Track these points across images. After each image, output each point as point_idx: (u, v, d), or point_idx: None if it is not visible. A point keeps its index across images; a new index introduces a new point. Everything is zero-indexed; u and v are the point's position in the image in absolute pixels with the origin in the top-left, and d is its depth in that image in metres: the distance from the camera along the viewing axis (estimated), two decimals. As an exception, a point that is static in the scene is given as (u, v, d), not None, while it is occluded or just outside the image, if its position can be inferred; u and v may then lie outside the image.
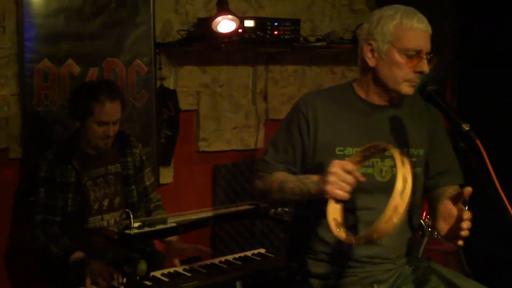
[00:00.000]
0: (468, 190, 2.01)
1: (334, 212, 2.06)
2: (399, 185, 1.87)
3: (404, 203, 1.86)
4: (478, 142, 1.97)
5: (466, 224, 2.01)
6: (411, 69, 2.21)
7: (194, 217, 2.72)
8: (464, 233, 2.02)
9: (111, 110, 2.95)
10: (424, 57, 2.21)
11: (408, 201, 1.87)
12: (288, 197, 2.24)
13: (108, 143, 3.02)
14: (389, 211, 1.86)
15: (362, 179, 2.06)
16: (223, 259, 3.17)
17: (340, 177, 2.00)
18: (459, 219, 2.03)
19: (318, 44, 4.05)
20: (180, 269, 3.00)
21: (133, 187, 3.16)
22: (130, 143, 3.17)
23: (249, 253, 3.25)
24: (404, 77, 2.22)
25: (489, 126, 4.37)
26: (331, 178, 2.00)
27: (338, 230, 2.04)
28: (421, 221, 2.90)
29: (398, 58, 2.21)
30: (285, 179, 2.25)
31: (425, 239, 2.92)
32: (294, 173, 2.32)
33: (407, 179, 1.88)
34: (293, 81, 4.24)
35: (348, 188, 2.01)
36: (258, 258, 3.18)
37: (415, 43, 2.20)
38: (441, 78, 4.19)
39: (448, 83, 4.52)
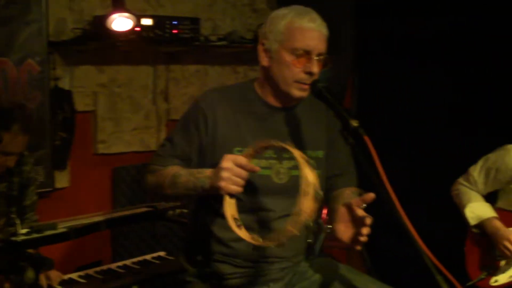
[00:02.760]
0: (370, 196, 2.02)
1: (230, 208, 2.05)
2: (306, 191, 1.87)
3: (310, 206, 1.87)
4: (366, 138, 1.98)
5: (366, 230, 2.03)
6: (300, 70, 2.18)
7: (86, 221, 2.62)
8: (364, 238, 2.04)
9: (21, 142, 2.80)
10: (314, 57, 2.18)
11: (313, 206, 1.88)
12: (181, 192, 2.18)
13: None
14: (295, 215, 1.87)
15: (257, 169, 2.06)
16: (121, 264, 3.10)
17: (233, 172, 1.98)
18: (360, 224, 2.03)
19: (219, 43, 4.03)
20: (74, 275, 2.90)
21: (14, 208, 2.95)
22: (21, 159, 2.94)
23: (148, 257, 3.20)
24: (293, 77, 2.20)
25: (388, 124, 4.49)
26: (224, 174, 1.98)
27: (239, 229, 2.02)
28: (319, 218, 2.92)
29: (287, 57, 2.19)
30: (177, 173, 2.19)
31: (322, 236, 2.93)
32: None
33: (316, 187, 1.89)
34: (195, 81, 4.19)
35: (241, 182, 2.00)
36: (158, 262, 3.14)
37: (303, 43, 2.17)
38: (340, 77, 4.26)
39: (348, 83, 4.59)
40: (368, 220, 1.99)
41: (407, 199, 3.94)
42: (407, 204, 3.87)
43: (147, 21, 3.51)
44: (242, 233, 2.01)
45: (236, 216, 2.05)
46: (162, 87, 4.05)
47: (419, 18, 4.24)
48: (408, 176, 4.27)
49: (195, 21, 3.76)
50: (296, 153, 1.94)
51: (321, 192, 1.93)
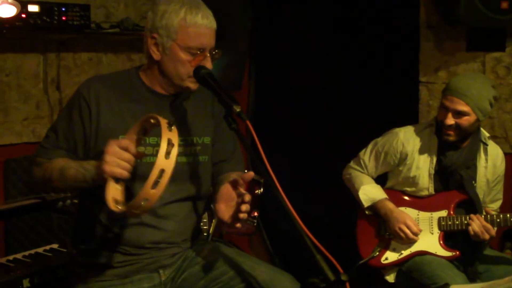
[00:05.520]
0: (249, 174, 2.05)
1: (114, 192, 2.01)
2: (163, 147, 1.86)
3: (170, 164, 1.86)
4: (248, 122, 2.02)
5: (245, 207, 2.06)
6: (195, 67, 2.21)
7: (-31, 215, 2.54)
8: (243, 215, 2.07)
9: None
10: (208, 54, 2.22)
11: (175, 163, 1.87)
12: (71, 184, 2.16)
13: None
14: (154, 175, 1.84)
15: (142, 155, 2.05)
16: (11, 257, 3.02)
17: (118, 155, 1.96)
18: (240, 202, 2.07)
19: (111, 30, 3.95)
20: (-40, 271, 2.80)
21: None
22: None
23: (40, 250, 3.14)
24: (188, 73, 2.23)
25: (285, 108, 4.57)
26: (108, 158, 1.96)
27: (116, 205, 1.99)
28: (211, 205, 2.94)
29: (182, 55, 2.21)
30: (65, 166, 2.16)
31: (214, 222, 2.96)
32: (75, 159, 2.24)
33: (172, 141, 1.88)
34: (88, 69, 4.09)
35: (127, 166, 1.98)
36: (50, 254, 3.07)
37: (198, 42, 2.20)
38: (237, 63, 4.28)
39: (245, 68, 4.61)
40: (247, 197, 2.03)
41: (298, 183, 4.04)
42: (299, 187, 3.96)
43: (33, 8, 3.38)
44: (116, 207, 1.98)
45: (121, 200, 2.02)
46: (53, 76, 3.93)
47: (314, 4, 4.33)
48: (302, 160, 4.37)
49: (85, 7, 3.65)
50: (162, 121, 1.94)
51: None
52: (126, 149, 1.98)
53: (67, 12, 3.53)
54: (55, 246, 3.18)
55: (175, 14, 2.19)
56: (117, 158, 1.96)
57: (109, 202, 1.98)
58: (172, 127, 1.92)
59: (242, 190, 2.05)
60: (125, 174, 1.98)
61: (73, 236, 2.40)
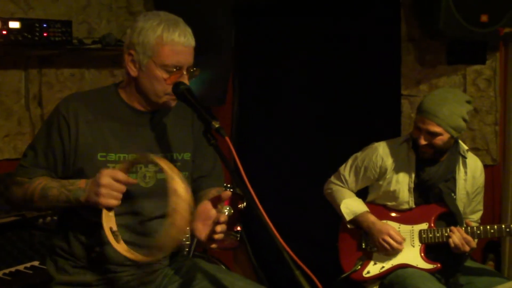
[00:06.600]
0: (227, 194, 2.05)
1: (108, 221, 2.06)
2: (172, 201, 1.90)
3: (181, 216, 1.89)
4: (227, 138, 2.01)
5: (220, 228, 2.06)
6: (171, 84, 2.20)
7: None
8: (218, 236, 2.07)
9: None
10: (185, 73, 2.20)
11: (185, 212, 1.89)
12: (52, 204, 2.16)
13: None
14: (167, 228, 1.90)
15: (134, 181, 2.09)
16: (-9, 275, 2.98)
17: (112, 188, 2.00)
18: (216, 222, 2.07)
19: (93, 46, 3.94)
20: None
21: None
22: None
23: (21, 267, 3.10)
24: (165, 91, 2.21)
25: (268, 122, 4.58)
26: (104, 191, 2.00)
27: (118, 243, 2.05)
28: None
29: (158, 73, 2.19)
30: (47, 186, 2.15)
31: (196, 239, 2.94)
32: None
33: (178, 192, 1.90)
34: (71, 85, 4.08)
35: (120, 196, 2.03)
36: (30, 272, 3.04)
37: (175, 60, 2.18)
38: (221, 77, 4.28)
39: (229, 83, 4.61)
40: (222, 218, 2.03)
41: (281, 196, 4.02)
42: (282, 200, 3.95)
43: (14, 24, 3.38)
44: (120, 247, 2.02)
45: (115, 228, 2.07)
46: (35, 92, 3.91)
47: (297, 18, 4.35)
48: (285, 173, 4.38)
49: (66, 24, 3.65)
50: (168, 168, 1.95)
51: (192, 205, 1.94)
52: (118, 181, 2.01)
53: (49, 28, 3.53)
54: (36, 263, 3.16)
55: (152, 31, 2.17)
56: (111, 190, 2.00)
57: (109, 236, 2.05)
58: (174, 174, 1.93)
59: (220, 208, 2.04)
60: (118, 203, 2.04)
61: (52, 253, 2.38)
